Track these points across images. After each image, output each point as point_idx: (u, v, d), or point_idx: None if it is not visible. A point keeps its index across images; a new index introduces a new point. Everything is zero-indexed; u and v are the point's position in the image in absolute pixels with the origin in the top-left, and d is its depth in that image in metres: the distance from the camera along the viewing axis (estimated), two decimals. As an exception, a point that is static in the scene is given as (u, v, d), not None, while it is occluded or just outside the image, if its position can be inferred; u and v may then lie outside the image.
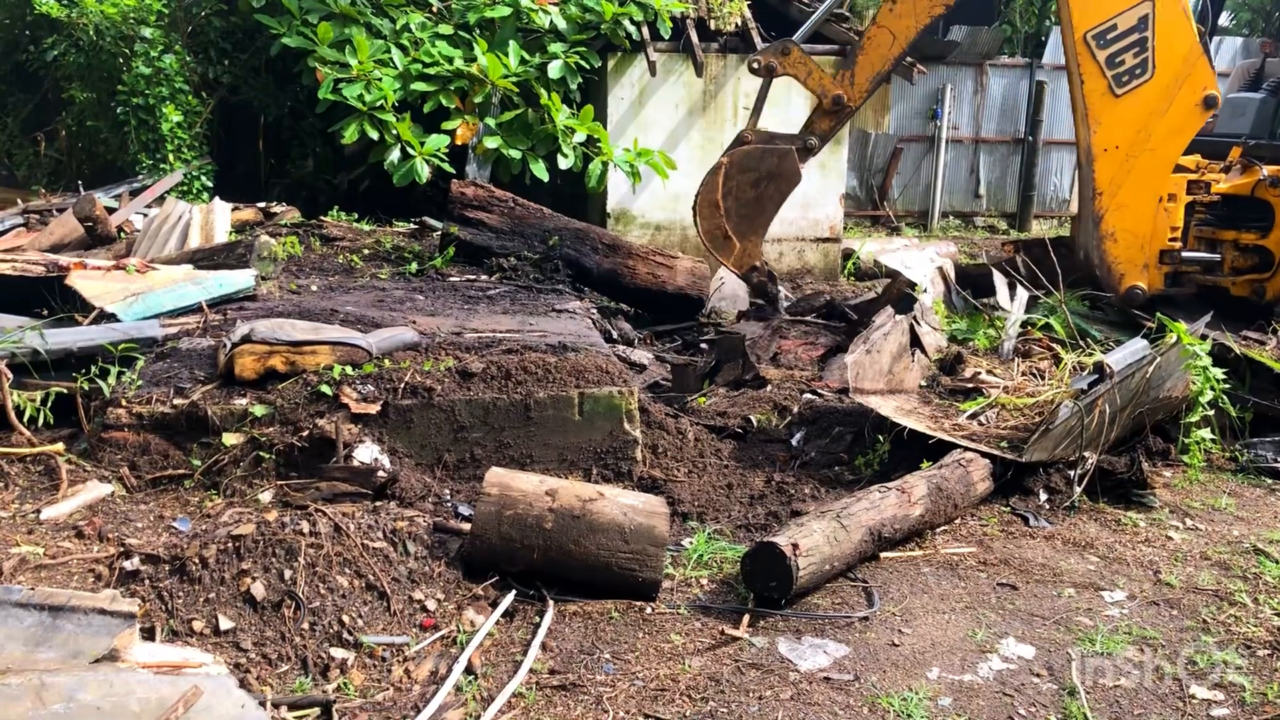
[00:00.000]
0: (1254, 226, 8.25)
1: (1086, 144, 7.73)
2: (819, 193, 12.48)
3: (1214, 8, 9.99)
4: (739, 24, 11.91)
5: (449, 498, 5.28)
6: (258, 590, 4.02)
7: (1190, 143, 9.14)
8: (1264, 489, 6.26)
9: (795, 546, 4.44)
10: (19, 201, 10.51)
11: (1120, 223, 7.80)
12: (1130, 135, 7.61)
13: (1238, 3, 29.67)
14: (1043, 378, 6.80)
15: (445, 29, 11.39)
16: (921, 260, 9.50)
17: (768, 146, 8.01)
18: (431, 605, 4.29)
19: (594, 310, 8.00)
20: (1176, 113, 7.57)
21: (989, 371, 6.96)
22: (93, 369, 5.55)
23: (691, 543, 5.12)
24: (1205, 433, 6.45)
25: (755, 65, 7.93)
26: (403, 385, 5.50)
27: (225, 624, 3.90)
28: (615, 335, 7.93)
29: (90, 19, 10.50)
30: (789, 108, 12.12)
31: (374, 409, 5.37)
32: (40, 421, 5.44)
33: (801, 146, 8.02)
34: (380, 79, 10.63)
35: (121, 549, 4.29)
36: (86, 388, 5.50)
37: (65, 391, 5.50)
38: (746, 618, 4.40)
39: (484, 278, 8.41)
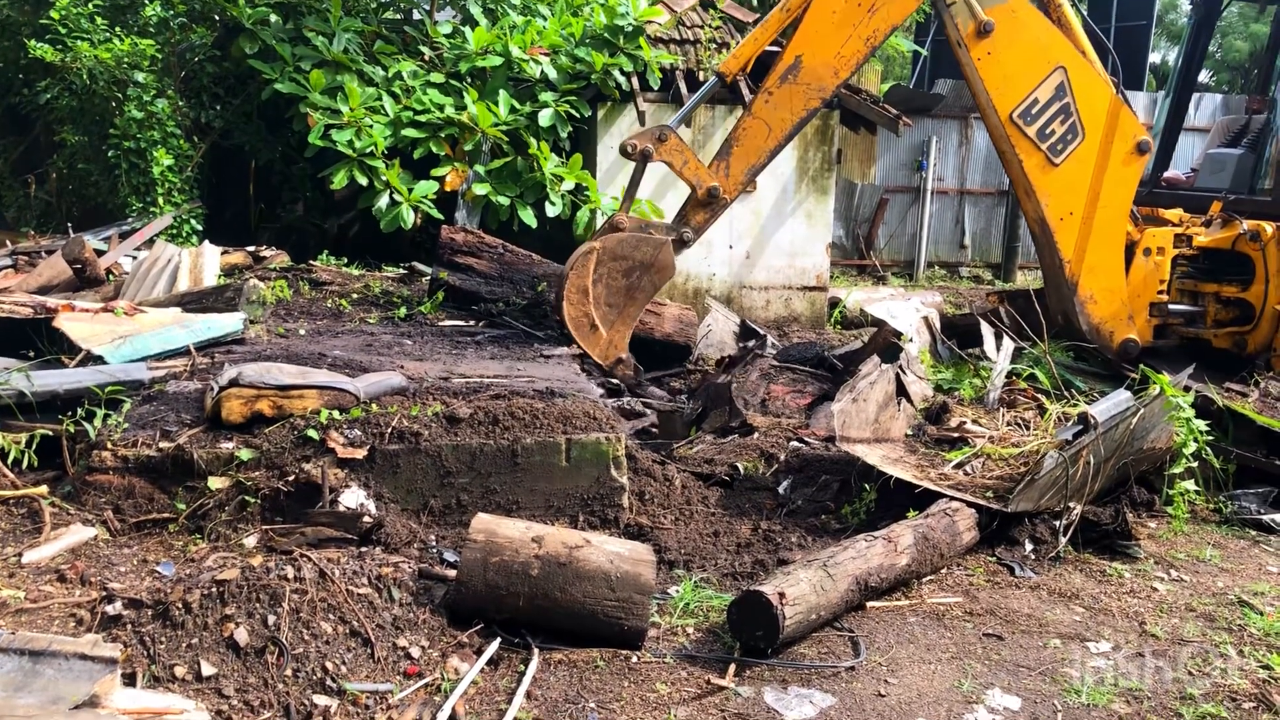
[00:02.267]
0: (1235, 280, 8.35)
1: (1039, 216, 7.88)
2: (805, 242, 12.60)
3: (1193, 65, 10.17)
4: (728, 75, 12.03)
5: (435, 544, 5.26)
6: (241, 636, 3.99)
7: (1172, 197, 9.30)
8: (1248, 540, 6.28)
9: (782, 595, 4.44)
10: (8, 243, 10.52)
11: (1095, 284, 7.92)
12: (1080, 199, 7.79)
13: (1217, 61, 30.23)
14: (1028, 428, 6.83)
15: (437, 77, 11.51)
16: (907, 310, 9.57)
17: (644, 235, 7.64)
18: (416, 652, 4.26)
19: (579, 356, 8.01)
20: (1115, 165, 7.77)
21: (974, 421, 7.00)
22: (78, 411, 5.53)
23: (678, 591, 5.10)
24: (1189, 484, 6.49)
25: (630, 149, 7.52)
26: (390, 430, 5.50)
27: (208, 670, 3.87)
28: (603, 381, 7.94)
29: (84, 63, 10.57)
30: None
31: (360, 454, 5.36)
32: (25, 464, 5.40)
33: (677, 239, 7.71)
34: (371, 126, 10.71)
35: (104, 593, 4.26)
36: (72, 430, 5.47)
37: (50, 434, 5.47)
38: (733, 667, 4.38)
39: (472, 323, 8.43)
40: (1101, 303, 7.94)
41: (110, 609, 4.09)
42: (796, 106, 7.57)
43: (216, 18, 12.00)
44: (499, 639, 4.45)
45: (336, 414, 5.56)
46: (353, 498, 5.23)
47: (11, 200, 12.83)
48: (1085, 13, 21.94)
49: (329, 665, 4.02)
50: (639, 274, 7.63)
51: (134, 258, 9.95)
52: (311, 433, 5.41)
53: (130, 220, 10.98)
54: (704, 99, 8.11)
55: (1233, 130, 10.04)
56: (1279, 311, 8.09)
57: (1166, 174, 10.11)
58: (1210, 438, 6.63)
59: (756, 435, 7.31)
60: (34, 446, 5.44)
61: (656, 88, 11.91)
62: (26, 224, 12.12)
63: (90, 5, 11.09)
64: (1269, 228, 8.16)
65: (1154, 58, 27.85)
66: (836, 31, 7.43)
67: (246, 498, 5.24)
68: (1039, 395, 7.34)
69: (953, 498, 5.77)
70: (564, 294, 7.61)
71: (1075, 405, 6.79)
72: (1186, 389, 6.94)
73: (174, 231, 11.07)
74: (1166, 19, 30.03)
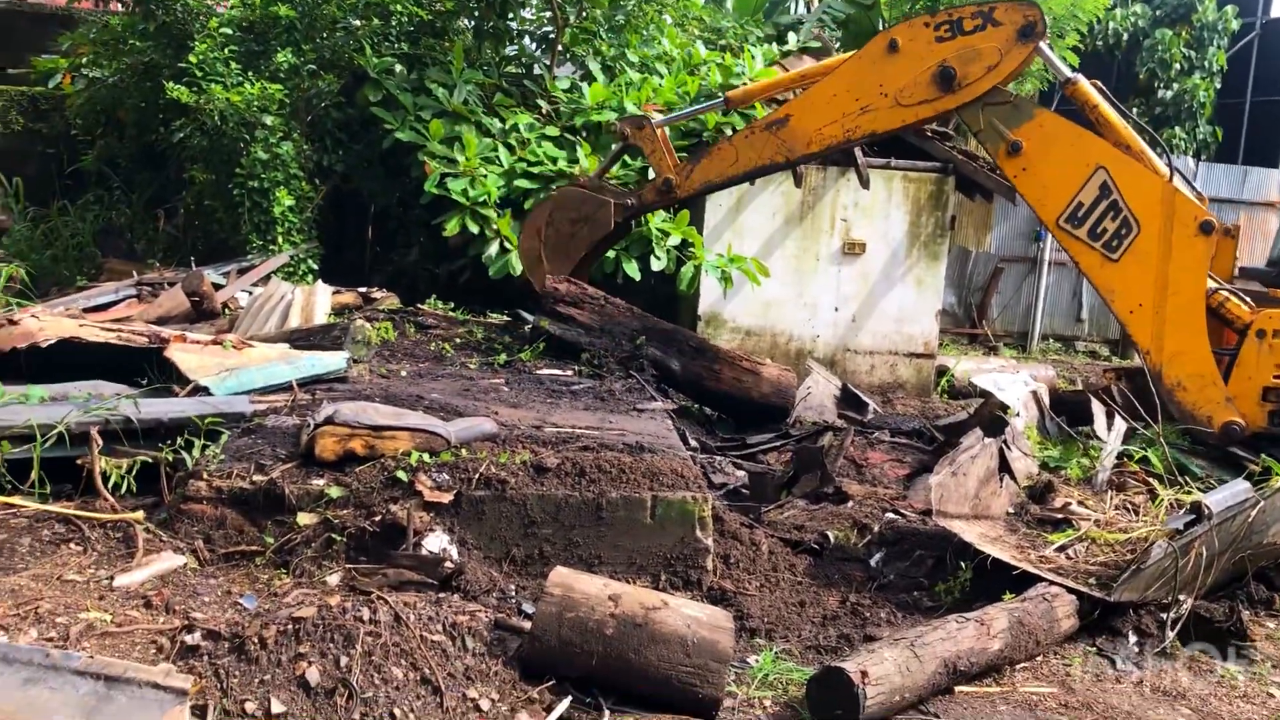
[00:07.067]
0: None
1: (1111, 309, 7.73)
2: (914, 308, 12.36)
3: None
4: (841, 137, 11.97)
5: (514, 594, 5.21)
6: (313, 675, 3.99)
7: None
8: (1377, 649, 5.86)
9: (864, 674, 4.27)
10: (134, 274, 10.95)
11: (1181, 371, 7.58)
12: (1149, 290, 7.53)
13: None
14: (1137, 513, 6.52)
15: (552, 130, 11.70)
16: (1015, 383, 9.26)
17: (591, 194, 8.98)
18: (485, 705, 4.20)
19: (675, 412, 7.94)
20: (1180, 251, 7.46)
21: (1080, 503, 6.70)
22: (178, 440, 5.66)
23: (758, 660, 4.96)
24: (1313, 584, 6.09)
25: (614, 128, 9.12)
26: (477, 476, 5.49)
27: (277, 708, 3.87)
28: (693, 441, 7.85)
29: (217, 105, 11.01)
30: (887, 220, 12.13)
31: (447, 498, 5.36)
32: (125, 488, 5.55)
33: (620, 203, 8.89)
34: (485, 176, 10.91)
35: (185, 622, 4.31)
36: (171, 459, 5.60)
37: (151, 461, 5.61)
38: (808, 745, 4.22)
39: (570, 372, 8.44)
40: (1191, 389, 7.58)
41: (189, 639, 4.13)
42: (764, 154, 8.36)
43: (344, 66, 12.41)
44: (570, 697, 4.36)
45: (426, 457, 5.57)
46: (436, 542, 5.22)
47: (142, 233, 13.39)
48: (1218, 88, 21.28)
49: (397, 712, 3.98)
50: (581, 224, 8.99)
51: (250, 293, 10.25)
52: (401, 474, 5.43)
53: (250, 257, 11.34)
54: (699, 112, 10.62)
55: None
56: None
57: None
58: (1338, 535, 6.22)
59: (851, 504, 7.12)
60: (134, 473, 5.58)
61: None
62: (153, 256, 12.61)
63: (226, 51, 11.59)
64: (1395, 307, 7.71)
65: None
66: (826, 110, 8.09)
67: (333, 535, 5.27)
68: (1151, 479, 7.00)
69: (1052, 582, 5.51)
70: (524, 229, 9.29)
71: (1189, 492, 6.46)
72: (1312, 480, 6.54)
73: (290, 270, 11.38)
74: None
